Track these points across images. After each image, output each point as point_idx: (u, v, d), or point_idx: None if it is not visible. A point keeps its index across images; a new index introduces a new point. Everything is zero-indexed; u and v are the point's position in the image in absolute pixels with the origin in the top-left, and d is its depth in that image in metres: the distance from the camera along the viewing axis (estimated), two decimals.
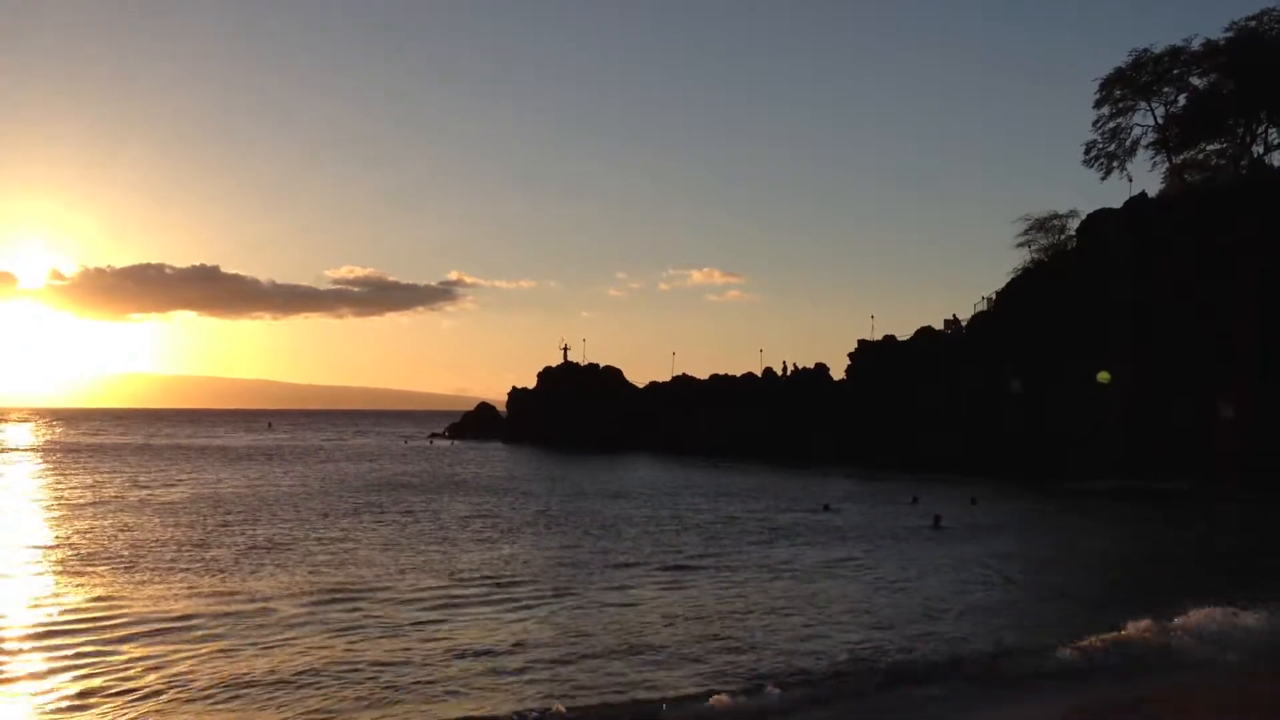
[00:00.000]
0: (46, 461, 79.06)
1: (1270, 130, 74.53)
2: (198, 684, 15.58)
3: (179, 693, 15.17)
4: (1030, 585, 26.08)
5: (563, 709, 14.19)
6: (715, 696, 14.81)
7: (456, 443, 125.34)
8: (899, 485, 57.19)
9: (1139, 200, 72.61)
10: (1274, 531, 39.79)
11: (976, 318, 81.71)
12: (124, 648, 17.82)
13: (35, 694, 15.19)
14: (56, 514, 40.59)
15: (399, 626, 19.78)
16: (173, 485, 55.40)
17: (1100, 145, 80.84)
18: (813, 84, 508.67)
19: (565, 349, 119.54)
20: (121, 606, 21.39)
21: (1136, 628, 19.32)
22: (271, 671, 16.30)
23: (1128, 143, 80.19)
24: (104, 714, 14.30)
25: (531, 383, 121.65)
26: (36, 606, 21.66)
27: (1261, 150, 74.92)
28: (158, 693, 15.20)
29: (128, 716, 14.20)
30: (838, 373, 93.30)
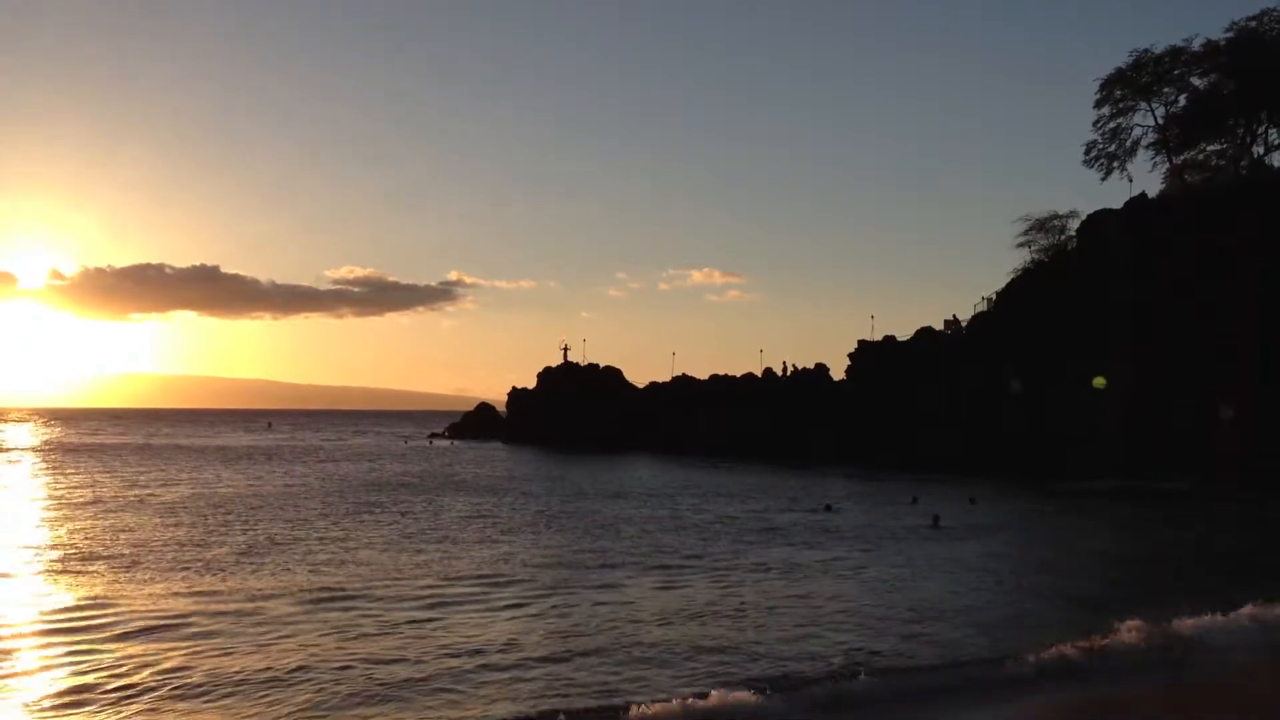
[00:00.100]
0: (46, 461, 79.01)
1: (1270, 131, 74.60)
2: (193, 681, 15.58)
3: (174, 690, 15.18)
4: (1028, 585, 26.00)
5: (554, 710, 14.14)
6: (706, 697, 14.63)
7: (456, 443, 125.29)
8: (899, 485, 57.14)
9: (1139, 200, 72.59)
10: (1274, 532, 39.75)
11: (976, 318, 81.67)
12: (122, 646, 17.83)
13: (34, 692, 15.16)
14: (56, 514, 40.56)
15: (396, 625, 19.77)
16: (172, 485, 55.36)
17: (1100, 145, 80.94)
18: (813, 84, 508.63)
19: (565, 349, 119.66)
20: (121, 605, 21.39)
21: (1136, 628, 19.23)
22: (266, 669, 16.31)
23: (1128, 143, 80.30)
24: (101, 711, 14.28)
25: (531, 383, 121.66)
26: (36, 605, 21.66)
27: (1262, 151, 75.03)
28: (153, 689, 15.21)
29: (125, 714, 14.18)
30: (838, 373, 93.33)
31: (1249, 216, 62.57)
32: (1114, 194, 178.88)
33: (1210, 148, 77.35)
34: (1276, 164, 73.68)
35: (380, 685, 15.47)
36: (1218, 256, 62.40)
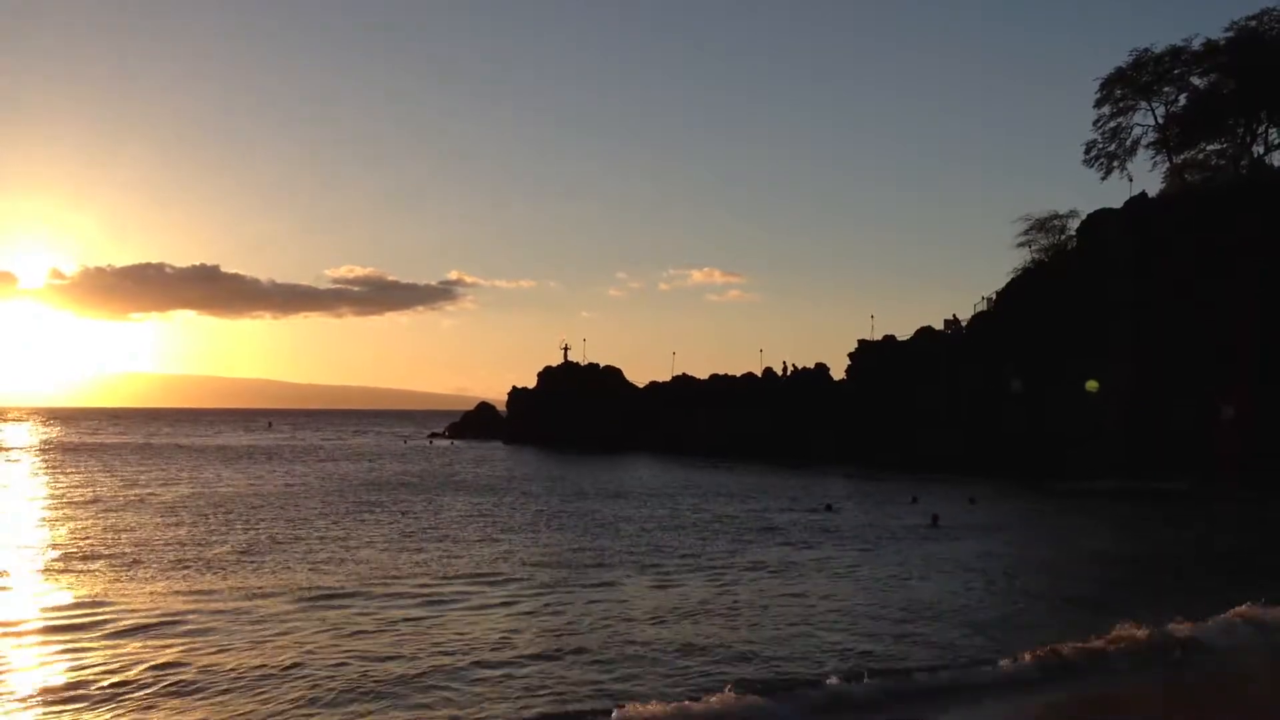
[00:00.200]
0: (46, 461, 79.03)
1: (1270, 130, 74.58)
2: (188, 678, 15.62)
3: (169, 686, 15.25)
4: (1027, 585, 25.96)
5: (545, 715, 14.14)
6: (698, 699, 14.48)
7: (456, 442, 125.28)
8: (899, 485, 57.11)
9: (1139, 200, 72.56)
10: (1274, 531, 39.73)
11: (977, 318, 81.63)
12: (119, 643, 17.86)
13: (31, 689, 15.17)
14: (55, 513, 40.57)
15: (392, 623, 19.80)
16: (172, 484, 55.37)
17: (1101, 145, 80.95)
18: (813, 84, 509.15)
19: (565, 349, 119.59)
20: (119, 603, 21.43)
21: (1135, 628, 19.22)
22: (261, 666, 16.36)
23: (1128, 142, 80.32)
24: (96, 707, 14.29)
25: (531, 382, 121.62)
26: (34, 603, 21.68)
27: (1262, 150, 75.01)
28: (148, 686, 15.29)
29: (118, 710, 14.19)
30: (838, 373, 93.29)
31: (1249, 216, 62.54)
32: (1114, 193, 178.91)
33: (1210, 147, 77.40)
34: (1276, 163, 73.70)
35: (373, 682, 15.50)
36: (1218, 256, 62.38)
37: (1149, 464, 58.78)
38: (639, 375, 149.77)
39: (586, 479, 62.35)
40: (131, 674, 15.86)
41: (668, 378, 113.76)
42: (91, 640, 18.08)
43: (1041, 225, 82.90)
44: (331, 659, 16.88)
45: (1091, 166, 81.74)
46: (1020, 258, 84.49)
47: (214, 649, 17.50)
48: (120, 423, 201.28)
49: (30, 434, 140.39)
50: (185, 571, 25.80)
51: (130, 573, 25.53)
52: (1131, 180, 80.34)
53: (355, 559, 28.31)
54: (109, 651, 17.24)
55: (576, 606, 21.83)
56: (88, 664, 16.44)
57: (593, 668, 16.62)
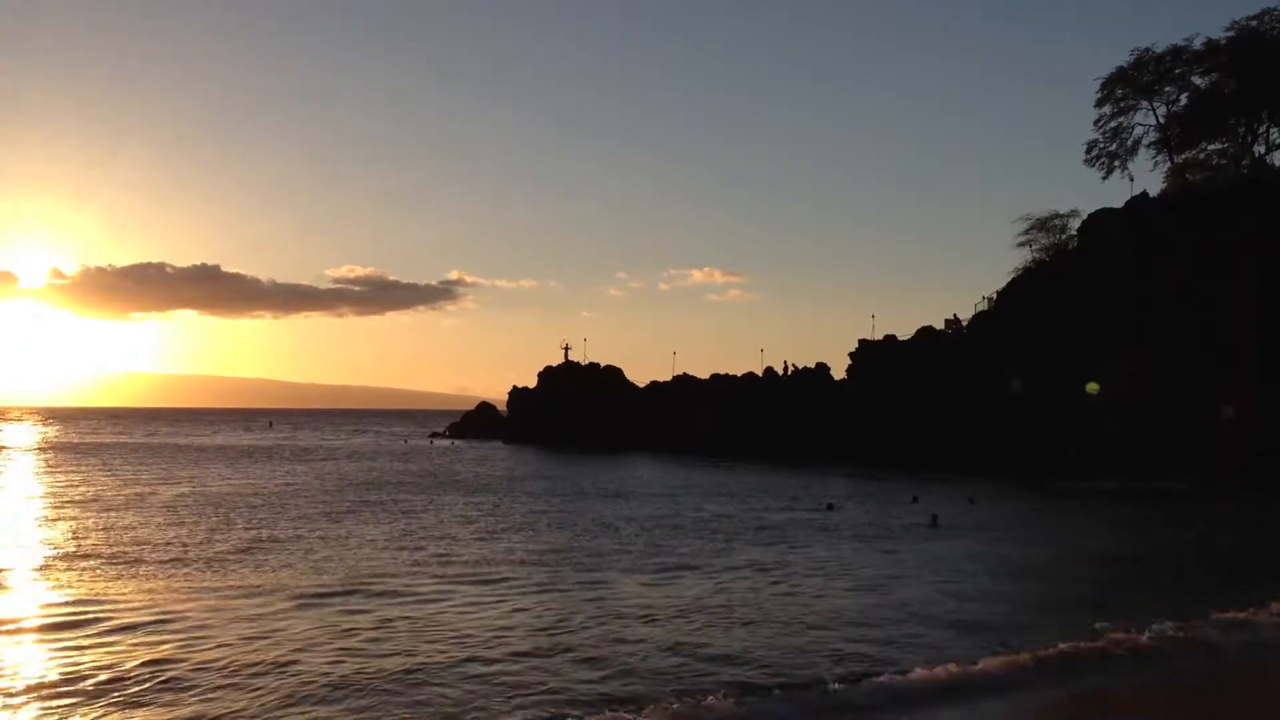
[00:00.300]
0: (46, 460, 79.03)
1: (1271, 130, 74.52)
2: (180, 675, 15.66)
3: (162, 682, 15.30)
4: (1025, 585, 25.86)
5: (535, 715, 14.12)
6: (682, 700, 14.40)
7: (457, 442, 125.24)
8: (899, 485, 57.05)
9: (1140, 200, 72.49)
10: (1274, 531, 39.67)
11: (977, 317, 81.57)
12: (116, 640, 17.90)
13: (26, 685, 15.18)
14: (54, 512, 40.56)
15: (389, 620, 19.80)
16: (172, 484, 55.37)
17: (1102, 145, 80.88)
18: (813, 84, 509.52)
19: (566, 348, 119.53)
20: (117, 601, 21.45)
21: (1134, 627, 19.20)
22: (257, 662, 16.40)
23: (1129, 142, 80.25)
24: (92, 704, 14.30)
25: (532, 382, 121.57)
26: (32, 601, 21.68)
27: (1263, 150, 74.93)
28: (143, 681, 15.36)
29: (115, 706, 14.20)
30: (838, 372, 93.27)
31: (1250, 216, 62.49)
32: (1115, 193, 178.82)
33: (1211, 147, 77.32)
34: (1277, 163, 73.62)
35: (367, 679, 15.53)
36: (1219, 256, 62.32)
37: (1150, 464, 58.72)
38: (639, 375, 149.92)
39: (586, 478, 62.30)
40: (126, 670, 15.88)
41: (668, 377, 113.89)
42: (88, 637, 18.09)
43: (1042, 225, 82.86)
44: (326, 656, 16.90)
45: (1092, 166, 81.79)
46: (1021, 257, 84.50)
47: (210, 645, 17.53)
48: (120, 422, 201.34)
49: (30, 433, 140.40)
50: (183, 570, 25.79)
51: (128, 571, 25.51)
52: (1132, 180, 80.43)
53: (353, 557, 28.28)
54: (105, 649, 17.25)
55: (572, 605, 21.79)
56: (83, 661, 16.44)
57: (584, 666, 16.58)
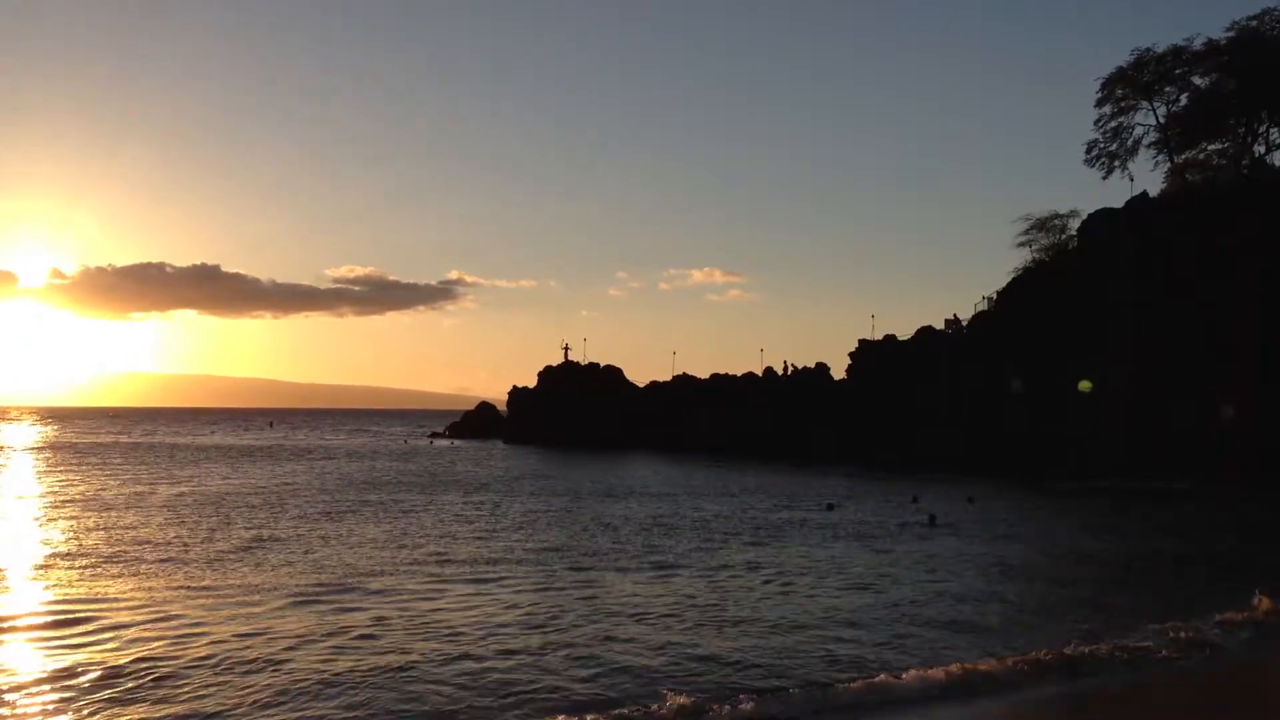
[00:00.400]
0: (46, 460, 79.04)
1: (1272, 130, 74.43)
2: (174, 671, 15.69)
3: (156, 678, 15.37)
4: (1021, 586, 25.74)
5: (524, 713, 14.12)
6: (672, 701, 14.27)
7: (456, 442, 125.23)
8: (899, 484, 57.04)
9: (1140, 200, 72.43)
10: (1274, 531, 39.65)
11: (977, 317, 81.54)
12: (113, 638, 17.93)
13: (23, 683, 15.20)
14: (53, 511, 40.57)
15: (384, 618, 19.81)
16: (172, 483, 55.36)
17: (1102, 144, 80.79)
18: (813, 84, 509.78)
19: (566, 348, 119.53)
20: (115, 600, 21.50)
21: (1132, 628, 19.18)
22: (253, 659, 16.45)
23: (1129, 142, 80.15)
24: (86, 699, 14.32)
25: (532, 382, 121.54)
26: (29, 600, 21.67)
27: (1263, 150, 74.83)
28: (136, 676, 15.45)
29: (108, 702, 14.20)
30: (838, 372, 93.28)
31: (1250, 216, 62.46)
32: (1115, 193, 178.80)
33: (1211, 147, 77.19)
34: (1278, 163, 73.56)
35: (359, 675, 15.57)
36: (1219, 256, 62.28)
37: (1150, 464, 58.68)
38: (639, 375, 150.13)
39: (586, 478, 62.28)
40: (119, 667, 15.94)
41: (668, 377, 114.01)
42: (83, 635, 18.11)
43: (1042, 225, 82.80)
44: (319, 653, 16.95)
45: (1092, 166, 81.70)
46: (1021, 257, 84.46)
47: (204, 642, 17.58)
48: (120, 422, 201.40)
49: (29, 433, 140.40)
50: (180, 568, 25.79)
51: (124, 570, 25.52)
52: (1132, 180, 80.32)
53: (351, 556, 28.28)
54: (99, 646, 17.27)
55: (565, 603, 21.76)
56: (77, 659, 16.46)
57: (575, 665, 16.55)
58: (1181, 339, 62.00)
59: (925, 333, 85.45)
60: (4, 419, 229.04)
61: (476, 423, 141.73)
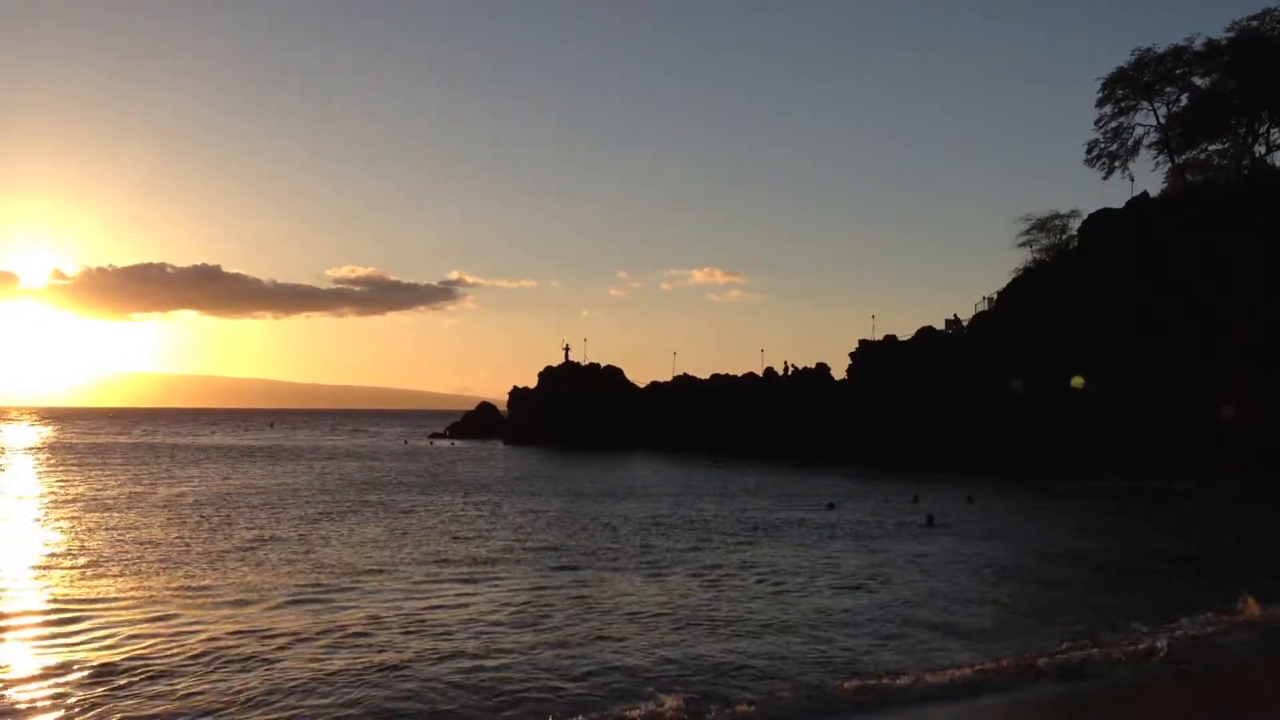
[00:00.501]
0: (47, 461, 79.08)
1: (1272, 130, 74.40)
2: (169, 669, 15.76)
3: (150, 675, 15.44)
4: (1019, 586, 25.66)
5: (518, 710, 14.15)
6: (662, 703, 14.17)
7: (457, 442, 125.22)
8: (899, 485, 57.00)
9: (1141, 200, 72.45)
10: (1274, 532, 39.61)
11: (978, 318, 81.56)
12: (110, 636, 17.99)
13: (21, 680, 15.27)
14: (52, 511, 40.62)
15: (379, 617, 19.85)
16: (172, 483, 55.40)
17: (1102, 145, 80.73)
18: (813, 84, 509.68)
19: (566, 349, 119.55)
20: (113, 599, 21.54)
21: (1131, 628, 19.15)
22: (247, 657, 16.50)
23: (1130, 142, 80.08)
24: (80, 695, 14.34)
25: (532, 382, 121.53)
26: (30, 600, 21.70)
27: (1264, 150, 74.82)
28: (129, 671, 15.56)
29: (102, 699, 14.21)
30: (839, 372, 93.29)
31: (1251, 216, 62.46)
32: (1116, 193, 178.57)
33: (1212, 147, 77.22)
34: (1278, 163, 73.57)
35: (354, 673, 15.61)
36: (1219, 256, 62.28)
37: (1150, 464, 58.63)
38: (640, 375, 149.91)
39: (586, 478, 62.28)
40: (114, 664, 16.02)
41: (669, 377, 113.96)
42: (80, 634, 18.18)
43: (1043, 225, 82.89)
44: (314, 651, 17.02)
45: (1093, 166, 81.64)
46: (1021, 258, 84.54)
47: (200, 640, 17.65)
48: (121, 422, 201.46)
49: (30, 434, 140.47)
50: (178, 568, 25.85)
51: (123, 569, 25.56)
52: (1133, 180, 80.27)
53: (350, 556, 28.32)
54: (96, 645, 17.33)
55: (560, 603, 21.76)
56: (73, 657, 16.52)
57: (568, 664, 16.55)
58: (1181, 339, 61.98)
59: (926, 333, 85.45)
60: (5, 419, 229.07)
61: (477, 423, 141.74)
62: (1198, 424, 59.26)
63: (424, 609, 20.77)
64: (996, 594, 24.18)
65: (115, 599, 21.53)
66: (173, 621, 19.24)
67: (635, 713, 13.88)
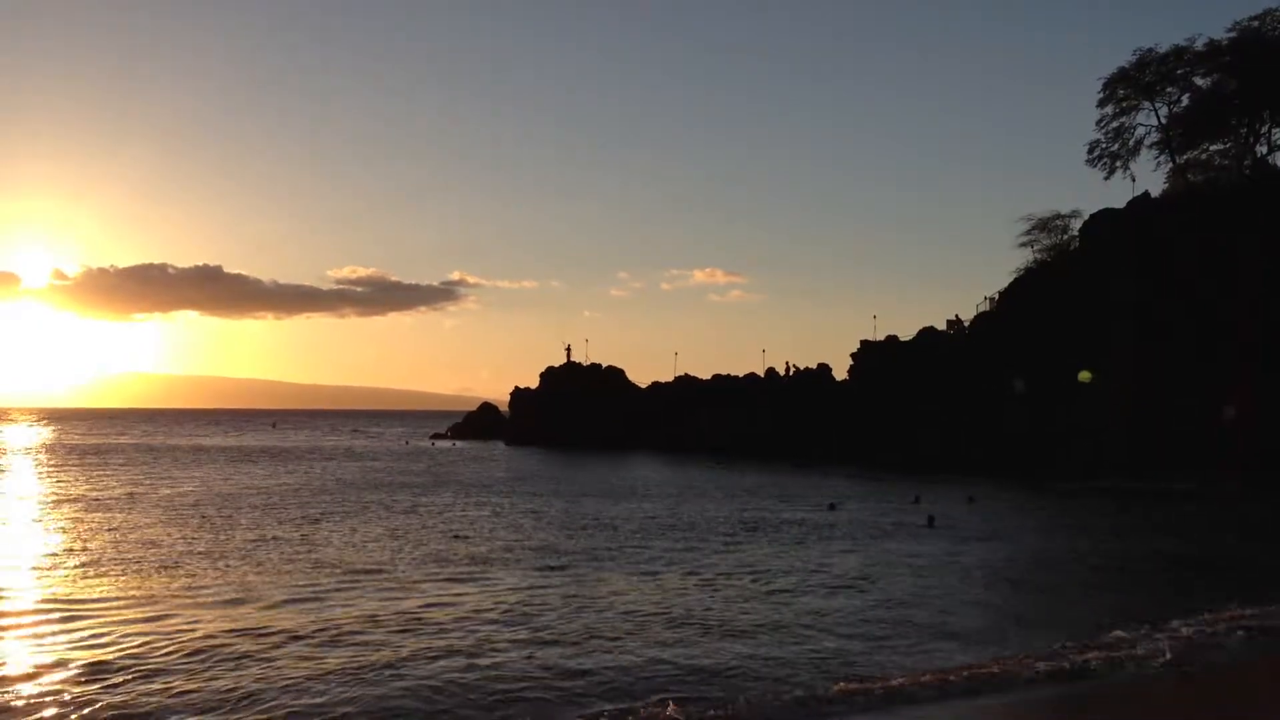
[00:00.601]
0: (47, 461, 79.12)
1: (1273, 130, 74.39)
2: (165, 666, 15.78)
3: (145, 672, 15.48)
4: (1019, 586, 25.63)
5: (512, 709, 14.17)
6: (663, 705, 14.15)
7: (458, 443, 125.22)
8: (900, 485, 56.97)
9: (1142, 200, 72.41)
10: (1275, 532, 39.58)
11: (979, 318, 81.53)
12: (108, 635, 18.02)
13: (16, 678, 15.28)
14: (52, 511, 40.65)
15: (375, 615, 19.88)
16: (173, 484, 55.42)
17: (1103, 145, 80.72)
18: (813, 84, 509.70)
19: (568, 349, 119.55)
20: (112, 599, 21.57)
21: (1131, 628, 19.13)
22: (242, 655, 16.53)
23: (1131, 142, 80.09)
24: (76, 693, 14.33)
25: (534, 383, 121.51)
26: (29, 600, 21.72)
27: (1265, 150, 74.79)
28: (125, 669, 15.61)
29: (97, 696, 14.21)
30: (840, 373, 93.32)
31: (1252, 216, 62.42)
32: (1117, 193, 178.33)
33: (1213, 147, 77.22)
34: (1279, 163, 73.53)
35: (350, 673, 15.62)
36: (1220, 256, 62.24)
37: (1151, 464, 58.60)
38: (641, 375, 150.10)
39: (587, 479, 62.28)
40: (110, 663, 16.06)
41: (670, 378, 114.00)
42: (78, 633, 18.20)
43: (1044, 225, 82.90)
44: (311, 649, 17.07)
45: (1094, 166, 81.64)
46: (1023, 258, 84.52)
47: (197, 637, 17.72)
48: (121, 423, 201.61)
49: (31, 434, 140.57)
50: (180, 568, 25.87)
51: (122, 569, 25.59)
52: (1134, 180, 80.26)
53: (349, 555, 28.32)
54: (94, 644, 17.34)
55: (557, 602, 21.75)
56: (71, 656, 16.52)
57: (563, 663, 16.55)
58: (1183, 339, 61.94)
59: (927, 333, 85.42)
60: (6, 420, 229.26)
61: (478, 423, 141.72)
62: (1199, 424, 59.20)
63: (421, 607, 20.80)
64: (996, 594, 24.15)
65: (114, 598, 21.56)
66: (170, 620, 19.26)
67: (629, 713, 13.86)
